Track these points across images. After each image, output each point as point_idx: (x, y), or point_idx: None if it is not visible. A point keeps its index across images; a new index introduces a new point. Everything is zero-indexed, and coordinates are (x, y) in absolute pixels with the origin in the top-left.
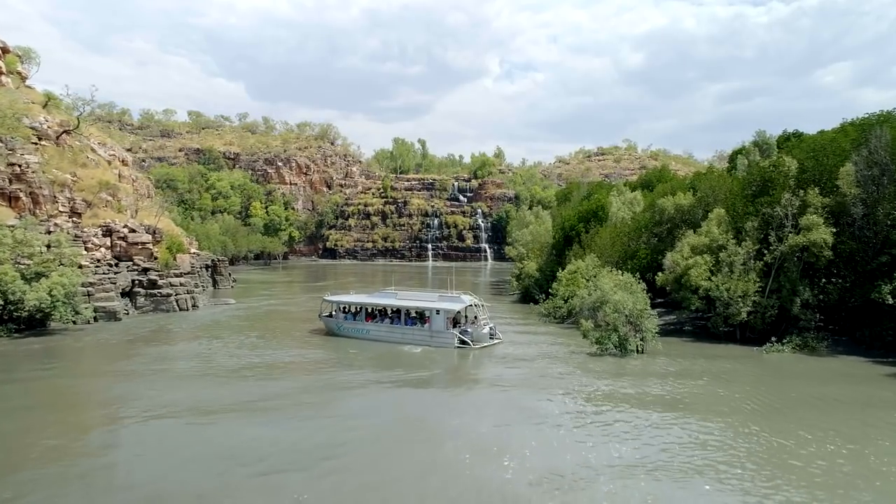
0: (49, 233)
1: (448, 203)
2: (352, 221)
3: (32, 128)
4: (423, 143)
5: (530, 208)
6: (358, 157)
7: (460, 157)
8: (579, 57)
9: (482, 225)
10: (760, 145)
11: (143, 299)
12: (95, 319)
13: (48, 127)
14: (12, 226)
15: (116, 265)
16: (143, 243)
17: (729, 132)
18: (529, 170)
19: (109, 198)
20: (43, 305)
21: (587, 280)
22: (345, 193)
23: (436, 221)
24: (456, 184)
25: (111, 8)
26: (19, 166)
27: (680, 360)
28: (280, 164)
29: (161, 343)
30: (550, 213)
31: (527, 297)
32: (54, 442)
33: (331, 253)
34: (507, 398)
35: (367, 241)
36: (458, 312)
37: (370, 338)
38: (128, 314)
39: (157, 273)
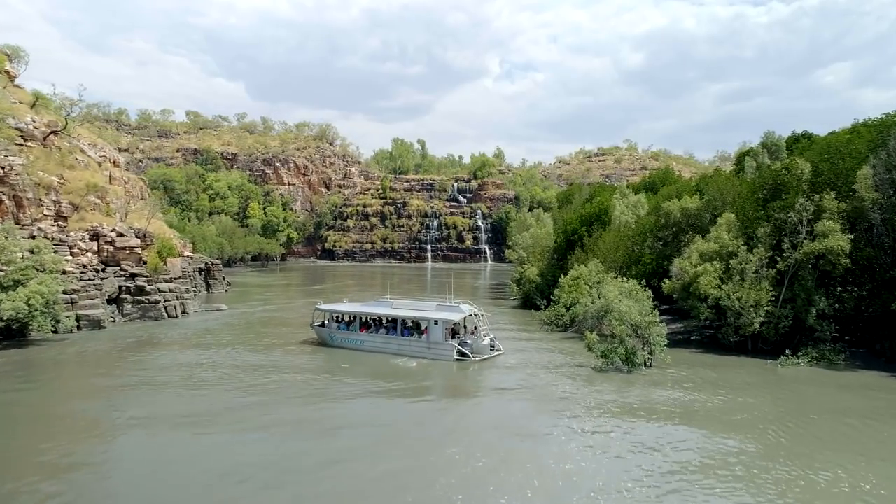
0: (32, 237)
1: (447, 204)
2: (350, 222)
3: (18, 128)
4: (422, 143)
5: (530, 210)
6: (357, 157)
7: (460, 157)
8: (579, 57)
9: (482, 226)
10: (769, 146)
11: (130, 306)
12: (79, 328)
13: (35, 127)
14: None
15: (103, 270)
16: (132, 248)
17: (729, 132)
18: (529, 170)
19: (98, 200)
20: (20, 315)
21: (590, 287)
22: (343, 194)
23: (435, 222)
24: (455, 184)
25: (111, 8)
26: (2, 168)
27: (691, 377)
28: (278, 164)
29: (143, 355)
30: (551, 216)
31: (527, 303)
32: (28, 462)
33: (329, 254)
34: (508, 423)
35: (366, 243)
36: (457, 323)
37: (364, 349)
38: (114, 321)
39: (145, 279)
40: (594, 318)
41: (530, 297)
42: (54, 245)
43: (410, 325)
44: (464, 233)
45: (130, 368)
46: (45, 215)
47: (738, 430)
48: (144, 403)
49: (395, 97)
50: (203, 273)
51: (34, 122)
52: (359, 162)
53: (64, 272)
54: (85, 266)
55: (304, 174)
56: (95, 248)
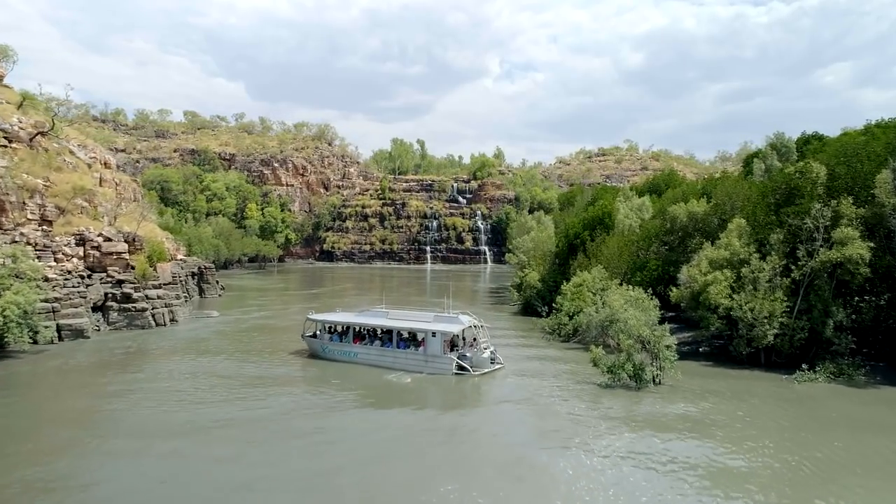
0: (14, 242)
1: (447, 204)
2: (349, 223)
3: (2, 129)
4: (421, 143)
5: (531, 211)
6: (356, 157)
7: (459, 157)
8: (579, 57)
9: (482, 227)
10: (778, 148)
11: (116, 314)
12: (60, 338)
13: (21, 128)
14: None
15: (89, 277)
16: (119, 253)
17: (729, 132)
18: (530, 171)
19: (85, 204)
20: None
21: (594, 294)
22: (342, 195)
23: (434, 223)
24: (455, 185)
25: (111, 8)
26: None
27: (703, 395)
28: (276, 164)
29: (122, 369)
30: (553, 219)
31: (528, 309)
32: None
33: (328, 255)
34: (510, 453)
35: (365, 244)
36: (456, 335)
37: (358, 361)
38: (99, 330)
39: (132, 285)
40: (598, 328)
41: (531, 303)
42: (38, 251)
43: (407, 336)
44: (463, 234)
45: (106, 385)
46: (28, 219)
47: (760, 458)
48: (118, 426)
49: (395, 97)
50: (196, 277)
51: (20, 122)
52: (358, 162)
53: (46, 279)
54: (69, 272)
55: (302, 175)
56: (81, 253)
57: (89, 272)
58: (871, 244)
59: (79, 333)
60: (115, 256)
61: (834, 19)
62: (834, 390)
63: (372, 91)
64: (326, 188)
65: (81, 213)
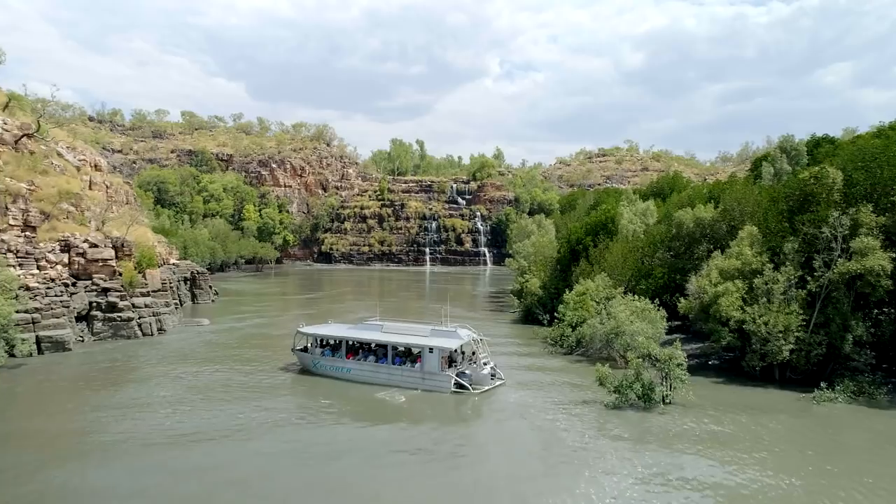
0: None
1: (446, 206)
2: (348, 225)
3: None
4: (421, 143)
5: (530, 213)
6: (354, 158)
7: (459, 158)
8: (579, 57)
9: (481, 228)
10: (787, 151)
11: (100, 324)
12: (40, 351)
13: (5, 130)
14: None
15: (73, 285)
16: (105, 259)
17: (730, 132)
18: (530, 171)
19: (71, 208)
20: None
21: (598, 303)
22: (341, 196)
23: (434, 225)
24: (454, 186)
25: (111, 8)
26: None
27: (718, 418)
28: (274, 165)
29: (97, 387)
30: (553, 223)
31: (529, 317)
32: None
33: (326, 257)
34: (513, 489)
35: (364, 245)
36: (455, 350)
37: (351, 378)
38: (82, 341)
39: (118, 293)
40: (603, 341)
41: (532, 310)
42: (19, 258)
43: (402, 351)
44: (463, 235)
45: (78, 405)
46: (10, 225)
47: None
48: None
49: (395, 97)
50: (189, 282)
51: (5, 124)
52: (356, 163)
53: (27, 288)
54: (53, 280)
55: (300, 176)
56: (66, 260)
57: (74, 280)
58: (893, 254)
59: (60, 346)
60: (101, 263)
61: (834, 19)
62: (856, 412)
63: (372, 91)
64: (325, 189)
65: (67, 218)
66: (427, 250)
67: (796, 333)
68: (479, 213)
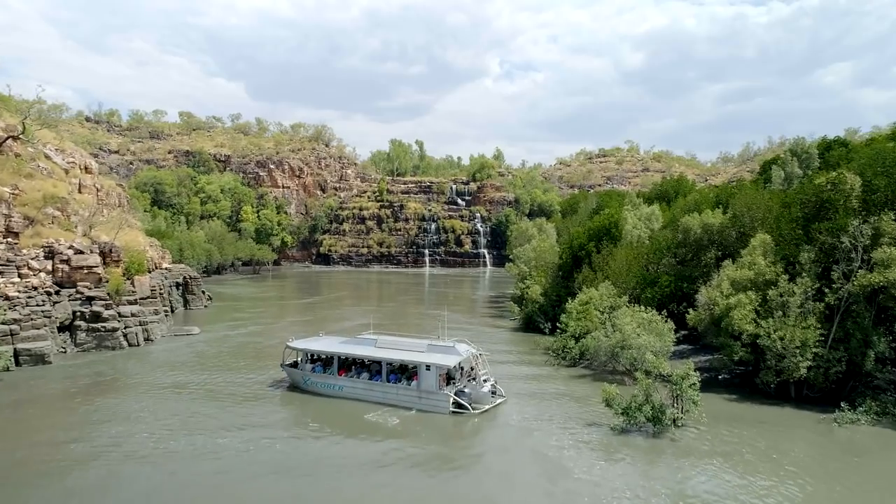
0: None
1: (446, 207)
2: (346, 226)
3: None
4: (420, 144)
5: (530, 214)
6: (353, 158)
7: (458, 158)
8: (579, 57)
9: (481, 230)
10: (798, 154)
11: (84, 335)
12: (18, 364)
13: None
14: None
15: (57, 293)
16: (91, 267)
17: (730, 132)
18: (530, 172)
19: (57, 213)
20: None
21: (602, 313)
22: (339, 197)
23: (433, 226)
24: (454, 187)
25: (110, 8)
26: None
27: (733, 443)
28: (272, 166)
29: (72, 405)
30: (555, 226)
31: (530, 325)
32: None
33: (324, 259)
34: None
35: (363, 247)
36: (453, 368)
37: (344, 395)
38: (65, 352)
39: (103, 302)
40: (608, 354)
41: (533, 318)
42: (0, 266)
43: (398, 368)
44: (462, 237)
45: (48, 427)
46: None
47: None
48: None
49: (395, 97)
50: (181, 287)
51: None
52: (355, 163)
53: (6, 297)
54: (35, 289)
55: (298, 176)
56: (49, 267)
57: (58, 288)
58: None
59: (39, 358)
60: (86, 270)
61: (834, 19)
62: (882, 435)
63: (372, 91)
64: (323, 190)
65: (52, 223)
66: (426, 252)
67: (814, 349)
68: (478, 214)
